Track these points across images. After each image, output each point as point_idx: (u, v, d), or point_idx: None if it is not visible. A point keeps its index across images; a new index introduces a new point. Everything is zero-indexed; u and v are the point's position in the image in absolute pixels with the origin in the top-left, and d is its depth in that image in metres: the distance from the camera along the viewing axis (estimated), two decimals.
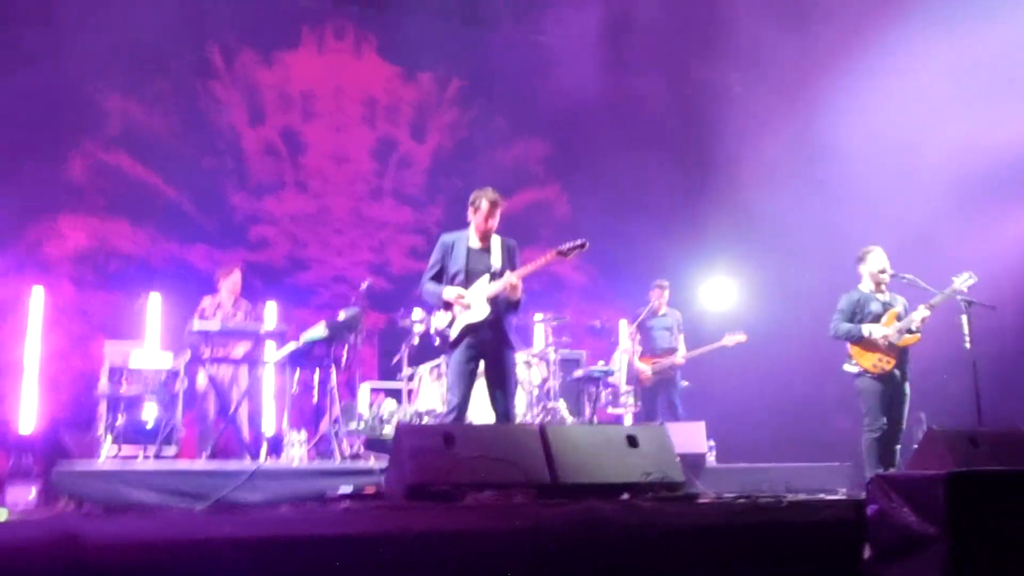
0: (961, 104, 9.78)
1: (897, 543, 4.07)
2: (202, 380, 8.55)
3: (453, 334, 6.63)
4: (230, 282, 9.38)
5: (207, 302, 9.31)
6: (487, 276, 6.64)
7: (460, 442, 4.76)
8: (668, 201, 13.01)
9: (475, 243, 6.80)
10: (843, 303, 8.03)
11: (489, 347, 6.64)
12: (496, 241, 6.82)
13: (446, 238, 6.91)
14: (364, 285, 8.87)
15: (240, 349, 8.77)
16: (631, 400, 10.06)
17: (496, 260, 6.72)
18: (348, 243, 12.79)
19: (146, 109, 11.70)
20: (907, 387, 7.82)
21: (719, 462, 9.82)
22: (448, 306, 6.69)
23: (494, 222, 6.77)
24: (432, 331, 6.92)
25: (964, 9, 9.67)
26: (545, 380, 9.45)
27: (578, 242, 6.52)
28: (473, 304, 6.57)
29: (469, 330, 6.58)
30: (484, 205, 6.72)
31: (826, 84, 10.91)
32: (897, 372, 7.79)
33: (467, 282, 6.66)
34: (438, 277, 6.82)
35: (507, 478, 4.68)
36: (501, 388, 6.66)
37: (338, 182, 12.92)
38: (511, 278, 6.51)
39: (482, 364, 6.72)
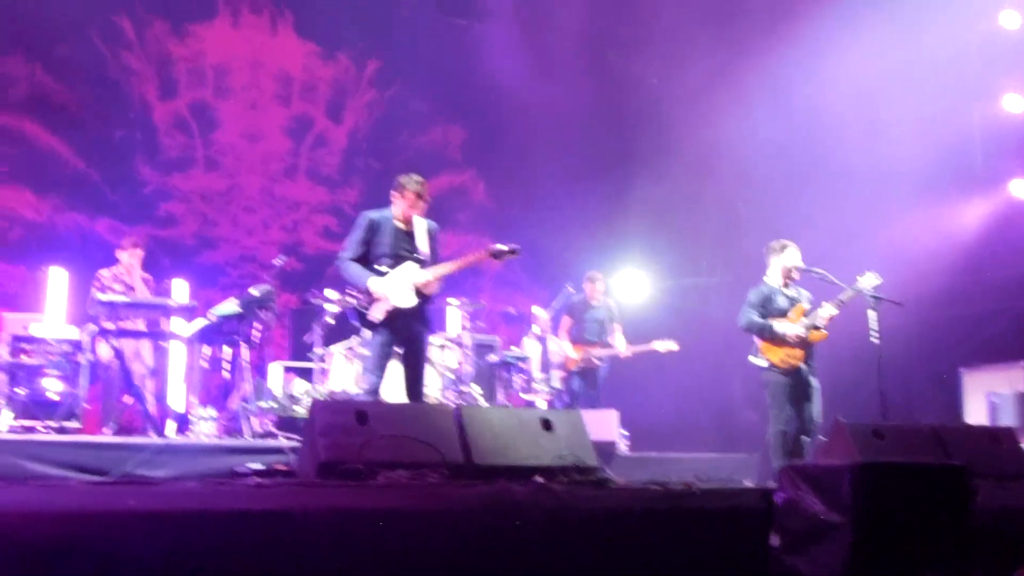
0: (872, 104, 9.94)
1: (804, 530, 4.16)
2: (107, 353, 8.26)
3: (377, 315, 6.52)
4: (130, 255, 9.04)
5: (105, 274, 8.97)
6: (413, 263, 6.57)
7: (374, 420, 4.70)
8: (583, 191, 13.02)
9: (400, 225, 6.71)
10: (753, 297, 8.01)
11: (412, 332, 6.62)
12: (420, 225, 6.75)
13: (372, 216, 6.74)
14: (278, 261, 8.71)
15: (147, 323, 8.52)
16: (544, 387, 10.05)
17: (423, 245, 6.67)
18: (259, 222, 12.57)
19: (53, 75, 11.33)
20: (815, 381, 7.85)
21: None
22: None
23: (416, 212, 6.69)
24: (350, 303, 6.80)
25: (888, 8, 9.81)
26: (460, 364, 9.41)
27: (511, 247, 6.47)
28: (400, 290, 6.48)
29: (396, 315, 6.49)
30: (410, 196, 6.63)
31: (745, 78, 10.98)
32: (804, 367, 7.83)
33: (394, 265, 6.57)
34: (362, 257, 6.66)
35: (421, 458, 4.63)
36: (417, 371, 6.68)
37: (251, 160, 12.67)
38: (437, 280, 6.52)
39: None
